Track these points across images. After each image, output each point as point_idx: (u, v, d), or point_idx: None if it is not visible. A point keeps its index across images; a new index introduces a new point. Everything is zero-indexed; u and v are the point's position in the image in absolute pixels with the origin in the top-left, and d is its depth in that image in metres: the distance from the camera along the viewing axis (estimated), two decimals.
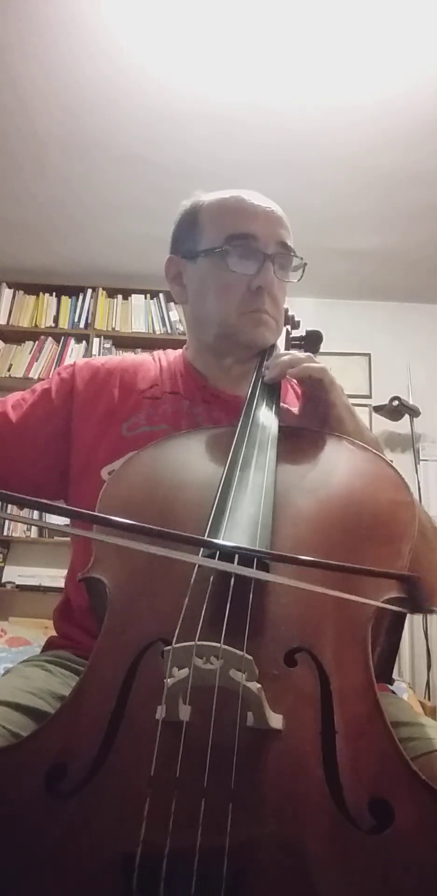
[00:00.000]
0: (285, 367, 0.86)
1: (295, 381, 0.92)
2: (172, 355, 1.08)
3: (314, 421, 0.85)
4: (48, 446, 0.96)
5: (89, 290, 3.60)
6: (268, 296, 0.94)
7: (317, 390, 0.84)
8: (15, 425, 0.96)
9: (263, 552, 0.56)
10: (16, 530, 3.37)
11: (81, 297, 3.61)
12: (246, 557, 0.55)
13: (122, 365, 1.04)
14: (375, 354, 3.66)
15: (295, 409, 0.90)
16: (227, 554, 0.55)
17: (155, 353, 1.09)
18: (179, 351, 1.09)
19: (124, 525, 0.50)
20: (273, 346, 0.97)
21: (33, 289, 3.63)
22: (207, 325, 0.98)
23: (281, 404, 0.88)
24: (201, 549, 0.55)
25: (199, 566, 0.56)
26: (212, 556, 0.55)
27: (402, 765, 0.45)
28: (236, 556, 0.55)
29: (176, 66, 2.33)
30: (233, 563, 0.54)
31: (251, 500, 0.64)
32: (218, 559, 0.55)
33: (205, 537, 0.58)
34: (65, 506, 0.53)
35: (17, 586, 3.26)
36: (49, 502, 0.62)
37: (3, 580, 3.34)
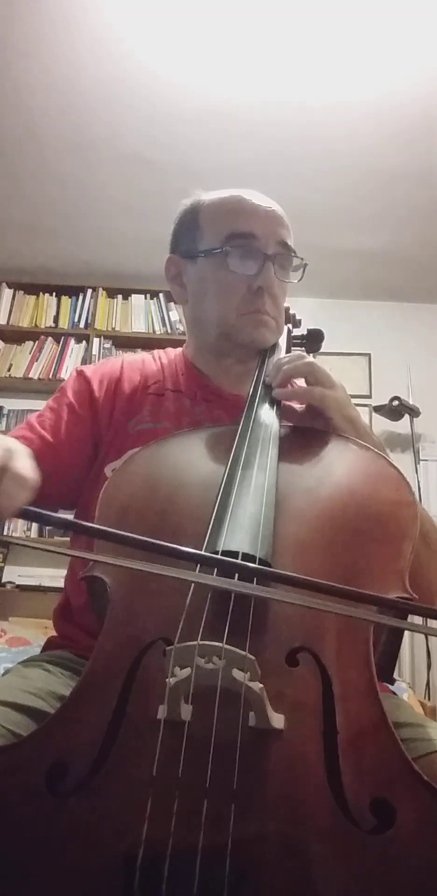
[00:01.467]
0: (287, 378, 0.87)
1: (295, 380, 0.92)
2: (172, 353, 1.08)
3: (315, 423, 0.86)
4: (86, 460, 0.96)
5: (89, 290, 3.60)
6: (268, 296, 0.93)
7: (316, 411, 0.84)
8: (54, 444, 0.94)
9: (261, 569, 0.54)
10: (16, 530, 3.37)
11: (81, 297, 3.60)
12: (247, 559, 0.55)
13: (129, 362, 1.04)
14: (375, 354, 3.65)
15: (298, 407, 0.90)
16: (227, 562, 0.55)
17: (154, 352, 1.09)
18: (179, 349, 1.09)
19: (121, 538, 0.50)
20: (275, 346, 0.97)
21: (33, 289, 3.63)
22: (208, 325, 0.98)
23: (283, 403, 0.88)
24: (206, 540, 0.55)
25: (200, 566, 0.56)
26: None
27: (404, 765, 0.45)
28: (239, 555, 0.55)
29: (176, 65, 2.33)
30: (233, 575, 0.54)
31: (253, 499, 0.64)
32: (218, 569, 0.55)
33: (203, 550, 0.57)
34: (65, 518, 0.55)
35: (17, 586, 3.25)
36: (53, 515, 0.63)
37: (3, 580, 3.34)
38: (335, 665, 0.51)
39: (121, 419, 0.96)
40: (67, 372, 3.39)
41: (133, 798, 0.42)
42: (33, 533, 3.37)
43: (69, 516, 0.93)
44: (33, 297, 3.62)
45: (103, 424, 0.96)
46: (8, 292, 3.61)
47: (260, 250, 0.93)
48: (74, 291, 3.62)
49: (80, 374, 1.02)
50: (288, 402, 0.89)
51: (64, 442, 0.94)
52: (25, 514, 0.56)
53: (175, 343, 1.11)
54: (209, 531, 0.59)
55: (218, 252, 0.93)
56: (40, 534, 3.38)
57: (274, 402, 0.85)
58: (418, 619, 0.57)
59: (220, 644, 0.46)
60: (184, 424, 0.93)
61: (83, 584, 0.66)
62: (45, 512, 0.58)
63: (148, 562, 0.52)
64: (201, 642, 0.46)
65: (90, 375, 1.01)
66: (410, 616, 0.60)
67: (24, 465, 0.59)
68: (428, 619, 0.52)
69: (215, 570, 0.55)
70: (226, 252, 0.93)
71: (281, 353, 0.96)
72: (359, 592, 0.50)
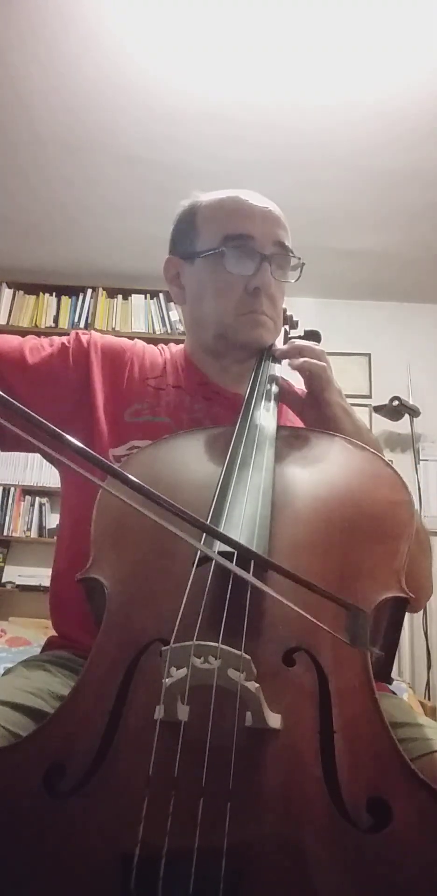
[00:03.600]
0: (295, 352, 0.91)
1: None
2: (174, 349, 1.08)
3: (313, 411, 0.89)
4: (55, 404, 0.94)
5: (89, 290, 3.60)
6: (265, 296, 0.94)
7: (314, 385, 0.88)
8: (29, 367, 0.94)
9: (261, 557, 0.54)
10: (16, 530, 3.37)
11: (81, 297, 3.61)
12: (243, 559, 0.55)
13: (134, 349, 1.03)
14: (375, 354, 3.66)
15: (299, 391, 0.93)
16: (226, 551, 0.55)
17: (159, 345, 1.09)
18: (181, 346, 1.09)
19: (134, 484, 0.44)
20: (272, 347, 0.97)
21: (33, 289, 3.63)
22: (205, 325, 0.98)
23: (285, 386, 0.91)
24: (204, 536, 0.54)
25: (197, 565, 0.56)
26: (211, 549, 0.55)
27: (400, 764, 0.45)
28: (235, 556, 0.55)
29: (176, 66, 2.33)
30: (232, 561, 0.54)
31: (249, 500, 0.64)
32: (218, 554, 0.55)
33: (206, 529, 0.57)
34: (79, 444, 0.42)
35: (17, 586, 3.26)
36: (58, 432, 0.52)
37: (3, 580, 3.34)
38: (332, 665, 0.51)
39: (117, 402, 0.95)
40: None
41: (130, 798, 0.42)
42: (33, 533, 3.38)
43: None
44: (33, 297, 3.62)
45: (93, 390, 0.94)
46: (8, 292, 3.61)
47: (257, 251, 0.93)
48: (74, 291, 3.62)
49: (89, 335, 1.01)
50: (284, 402, 0.90)
51: (37, 371, 0.93)
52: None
53: (175, 343, 1.11)
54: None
55: (215, 253, 0.93)
56: (40, 534, 3.39)
57: (271, 403, 0.86)
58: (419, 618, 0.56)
59: (216, 644, 0.46)
60: (183, 420, 0.94)
61: (77, 585, 0.66)
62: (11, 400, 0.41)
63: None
64: (197, 642, 0.46)
65: (97, 340, 1.00)
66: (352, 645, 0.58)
67: None
68: (428, 620, 0.51)
69: (213, 563, 0.55)
70: (223, 253, 0.93)
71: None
72: (339, 598, 0.49)
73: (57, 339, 1.00)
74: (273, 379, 0.92)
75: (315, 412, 0.89)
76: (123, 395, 0.96)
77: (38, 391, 0.92)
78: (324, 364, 0.89)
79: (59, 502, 1.02)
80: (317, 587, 0.46)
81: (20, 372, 0.93)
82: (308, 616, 0.46)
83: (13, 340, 0.97)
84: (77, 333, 1.01)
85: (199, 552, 0.55)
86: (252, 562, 0.55)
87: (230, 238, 0.93)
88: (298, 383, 0.94)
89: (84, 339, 1.00)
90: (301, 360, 0.89)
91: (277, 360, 0.95)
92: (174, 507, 0.43)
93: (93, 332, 1.02)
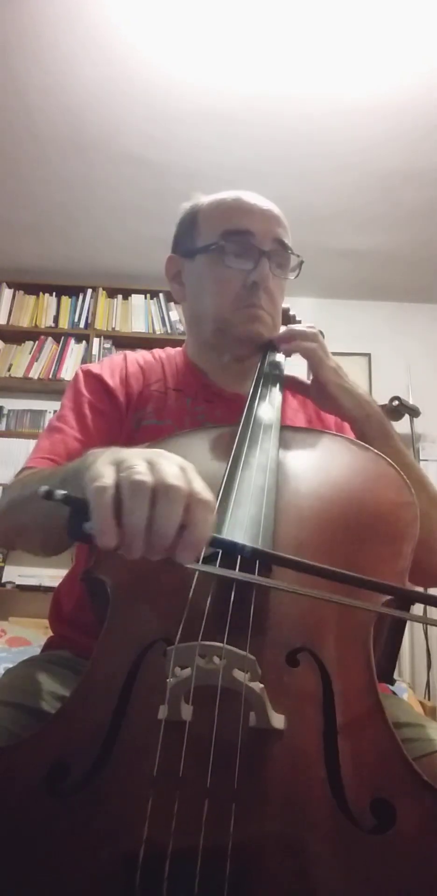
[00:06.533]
0: (286, 336, 0.92)
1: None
2: (171, 352, 1.09)
3: (317, 395, 0.91)
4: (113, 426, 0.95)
5: (89, 290, 3.60)
6: (264, 292, 0.94)
7: (310, 367, 0.90)
8: (86, 444, 0.90)
9: (269, 553, 0.55)
10: None
11: (81, 297, 3.60)
12: (248, 559, 0.55)
13: (131, 358, 1.04)
14: (375, 354, 3.65)
15: (306, 380, 0.95)
16: (229, 554, 0.55)
17: (154, 350, 1.09)
18: (179, 348, 1.09)
19: None
20: (275, 346, 0.97)
21: (33, 289, 3.63)
22: (204, 320, 0.99)
23: (291, 375, 0.94)
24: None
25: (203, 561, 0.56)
26: (214, 557, 0.55)
27: (404, 765, 0.45)
28: (238, 560, 0.55)
29: (176, 66, 2.33)
30: (235, 564, 0.54)
31: (253, 500, 0.64)
32: (220, 560, 0.55)
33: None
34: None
35: (17, 586, 3.25)
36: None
37: (3, 580, 3.33)
38: (336, 665, 0.51)
39: (127, 414, 0.96)
40: (68, 372, 3.38)
41: (134, 798, 0.42)
42: None
43: None
44: (33, 297, 3.61)
45: (123, 411, 0.96)
46: (8, 292, 3.61)
47: (256, 246, 0.94)
48: (74, 291, 3.61)
49: (87, 372, 1.00)
50: (289, 390, 0.92)
51: (95, 439, 0.91)
52: (215, 543, 0.50)
53: (175, 343, 1.11)
54: None
55: (215, 247, 0.94)
56: None
57: (275, 403, 0.86)
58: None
59: (220, 644, 0.46)
60: (185, 423, 0.94)
61: (82, 586, 0.66)
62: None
63: None
64: (202, 642, 0.46)
65: (99, 371, 1.00)
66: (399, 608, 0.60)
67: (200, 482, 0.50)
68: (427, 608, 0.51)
69: (218, 562, 0.55)
70: (222, 248, 0.93)
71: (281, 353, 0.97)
72: (358, 577, 0.50)
73: (79, 401, 0.96)
74: (276, 377, 0.92)
75: (318, 395, 0.91)
76: (133, 404, 0.97)
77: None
78: (315, 344, 0.90)
79: None
80: (332, 570, 0.46)
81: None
82: (324, 595, 0.46)
83: (57, 435, 0.92)
84: (81, 379, 0.99)
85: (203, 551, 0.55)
86: (257, 562, 0.55)
87: (230, 233, 0.94)
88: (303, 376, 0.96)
89: (94, 379, 0.99)
90: (293, 342, 0.91)
91: (276, 348, 0.96)
92: None
93: (91, 366, 1.01)
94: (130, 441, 0.91)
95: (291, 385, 0.96)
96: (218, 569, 0.52)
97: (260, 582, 0.52)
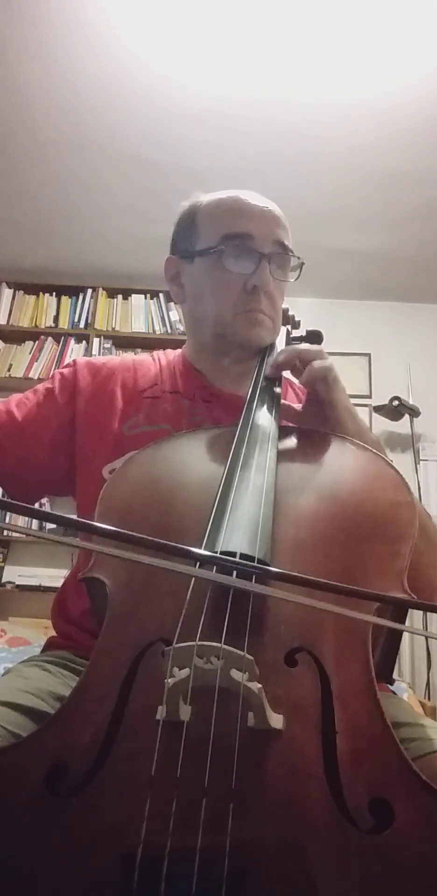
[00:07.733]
0: (293, 358, 0.86)
1: (296, 380, 0.92)
2: (171, 354, 1.09)
3: (315, 420, 0.85)
4: (54, 445, 0.97)
5: (89, 290, 3.60)
6: (264, 295, 0.94)
7: (319, 387, 0.83)
8: (20, 423, 0.96)
9: (260, 568, 0.54)
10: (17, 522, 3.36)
11: (81, 297, 3.61)
12: (245, 560, 0.55)
13: (123, 365, 1.04)
14: (375, 354, 3.66)
15: (297, 407, 0.90)
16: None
17: (154, 352, 1.09)
18: (179, 350, 1.09)
19: (110, 532, 0.49)
20: (272, 346, 0.97)
21: (33, 289, 3.63)
22: (204, 324, 0.99)
23: (282, 402, 0.88)
24: (205, 538, 0.55)
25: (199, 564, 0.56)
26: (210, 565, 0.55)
27: (403, 765, 0.45)
28: (238, 556, 0.55)
29: (176, 66, 2.33)
30: (232, 573, 0.54)
31: (252, 500, 0.64)
32: (217, 566, 0.54)
33: (202, 549, 0.57)
34: (55, 513, 0.50)
35: (17, 586, 3.26)
36: (41, 510, 0.62)
37: (3, 580, 3.34)
38: (334, 665, 0.51)
39: (112, 419, 0.96)
40: None
41: (132, 798, 0.42)
42: (34, 525, 3.37)
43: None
44: (33, 297, 3.62)
45: (84, 417, 0.97)
46: (8, 292, 3.61)
47: (256, 249, 0.93)
48: (74, 291, 3.62)
49: (73, 364, 1.04)
50: (287, 402, 0.90)
51: (30, 423, 0.96)
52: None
53: (175, 343, 1.12)
54: (208, 532, 0.59)
55: (214, 251, 0.94)
56: (40, 527, 3.38)
57: (274, 403, 0.85)
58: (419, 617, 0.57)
59: (218, 644, 0.46)
60: (183, 426, 0.93)
61: (83, 586, 0.66)
62: (11, 501, 0.49)
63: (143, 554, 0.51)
64: (200, 643, 0.46)
65: (82, 366, 1.02)
66: (407, 615, 0.60)
67: None
68: (427, 619, 0.51)
69: (215, 567, 0.55)
70: (221, 251, 0.93)
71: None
72: (356, 590, 0.50)
73: (42, 387, 1.02)
74: (275, 378, 0.92)
75: (316, 410, 0.85)
76: (118, 411, 0.97)
77: (33, 442, 0.96)
78: (328, 365, 0.84)
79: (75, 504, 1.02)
80: (355, 589, 0.46)
81: (13, 432, 0.96)
82: (322, 605, 0.46)
83: (10, 405, 0.99)
84: (60, 371, 1.04)
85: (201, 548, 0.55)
86: (256, 562, 0.54)
87: (229, 237, 0.93)
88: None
89: (68, 372, 1.02)
90: (306, 372, 0.84)
91: (277, 373, 0.90)
92: (164, 545, 0.45)
93: (77, 359, 1.05)
94: (121, 446, 0.91)
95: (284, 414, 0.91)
96: (215, 574, 0.52)
97: (257, 590, 0.52)
